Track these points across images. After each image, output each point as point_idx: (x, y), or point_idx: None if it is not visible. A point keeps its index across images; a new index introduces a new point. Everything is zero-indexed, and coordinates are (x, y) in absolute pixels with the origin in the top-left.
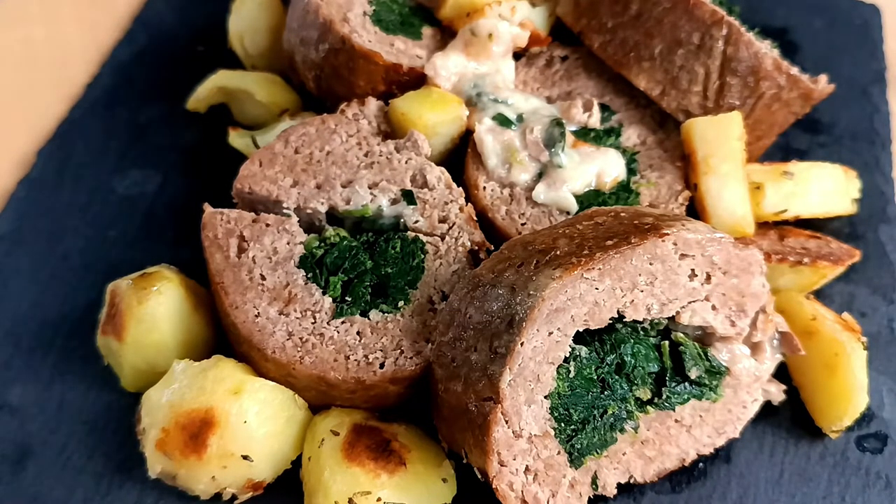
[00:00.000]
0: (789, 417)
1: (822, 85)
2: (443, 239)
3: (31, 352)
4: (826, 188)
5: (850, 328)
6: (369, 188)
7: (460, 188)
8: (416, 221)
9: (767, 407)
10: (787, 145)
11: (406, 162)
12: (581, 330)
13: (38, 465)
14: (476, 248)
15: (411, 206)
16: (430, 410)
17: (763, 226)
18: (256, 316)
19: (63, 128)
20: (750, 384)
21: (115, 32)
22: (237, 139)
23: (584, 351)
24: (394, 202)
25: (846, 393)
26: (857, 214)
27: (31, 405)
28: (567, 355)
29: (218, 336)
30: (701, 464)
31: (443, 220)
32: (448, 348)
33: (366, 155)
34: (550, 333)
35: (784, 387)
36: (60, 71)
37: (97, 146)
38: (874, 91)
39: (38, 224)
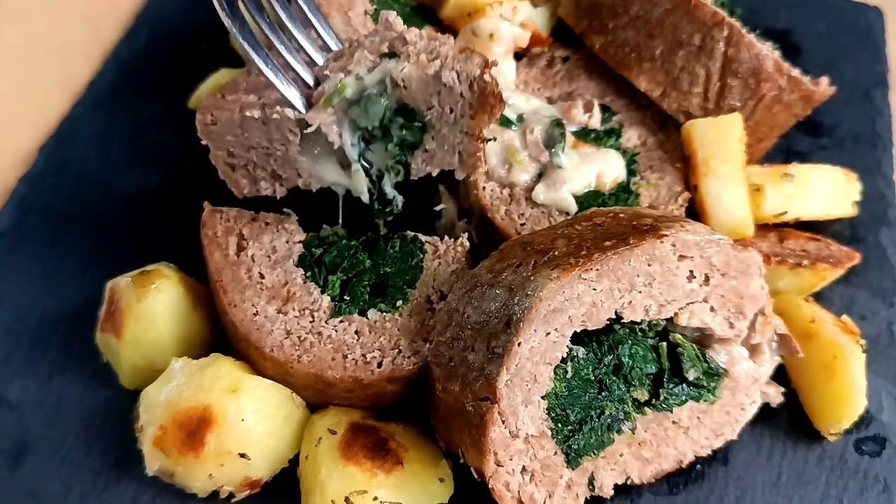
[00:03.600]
0: (787, 420)
1: (824, 87)
2: (439, 128)
3: (31, 348)
4: (826, 191)
5: (850, 331)
6: (341, 71)
7: (448, 35)
8: (403, 69)
9: (765, 409)
10: (788, 147)
11: (380, 39)
12: (579, 331)
13: (36, 461)
14: (482, 70)
15: (394, 59)
16: (427, 410)
17: (763, 228)
18: (255, 314)
19: (64, 125)
20: (748, 386)
21: (117, 30)
22: None
23: (581, 352)
24: (372, 68)
25: (844, 396)
26: (858, 217)
27: (29, 401)
28: (564, 356)
29: (216, 334)
30: (698, 466)
31: (434, 58)
32: (446, 348)
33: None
34: (548, 334)
35: (782, 389)
36: (63, 68)
37: (98, 143)
38: (876, 94)
39: (39, 221)
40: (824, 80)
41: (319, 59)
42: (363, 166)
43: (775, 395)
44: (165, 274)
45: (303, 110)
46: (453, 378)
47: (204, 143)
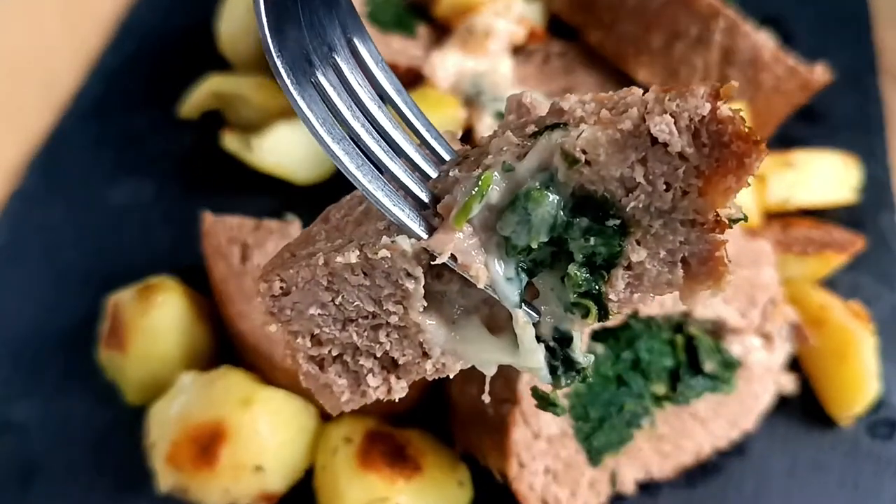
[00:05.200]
0: (800, 407)
1: (820, 74)
2: None
3: (32, 368)
4: (827, 177)
5: (859, 316)
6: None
7: (632, 87)
8: (582, 133)
9: (779, 398)
10: (784, 135)
11: (519, 126)
12: (596, 328)
13: (46, 483)
14: (713, 105)
15: (558, 129)
16: (437, 415)
17: (766, 217)
18: (264, 324)
19: (54, 138)
20: (762, 375)
21: (100, 39)
22: (231, 142)
23: (600, 348)
24: (525, 152)
25: (857, 381)
26: (857, 203)
27: (35, 422)
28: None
29: (221, 345)
30: (716, 457)
31: (623, 110)
32: None
33: None
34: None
35: (795, 377)
36: (46, 80)
37: (89, 156)
38: (866, 79)
39: (33, 238)
40: (820, 67)
41: (431, 171)
42: (527, 313)
43: (789, 384)
44: (169, 287)
45: (423, 234)
46: (471, 381)
47: (273, 328)
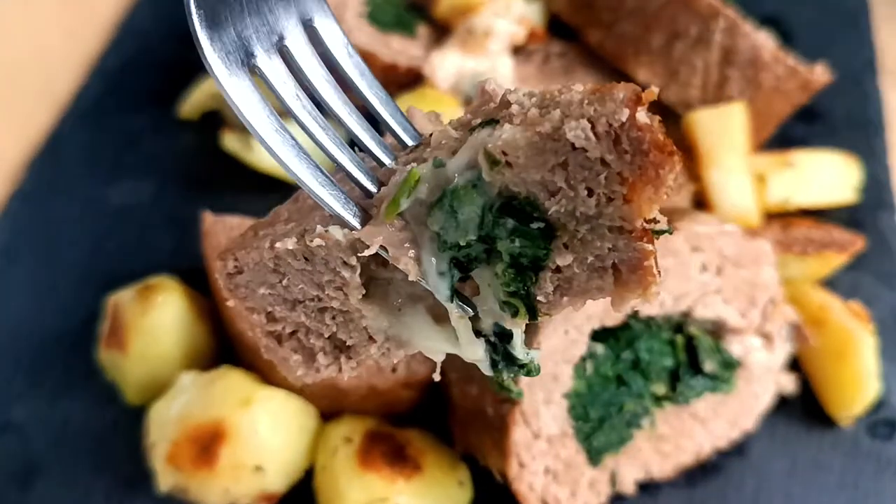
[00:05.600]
0: (801, 407)
1: (820, 74)
2: None
3: (32, 368)
4: (828, 177)
5: (859, 316)
6: (414, 162)
7: (578, 83)
8: (502, 135)
9: (779, 398)
10: (784, 135)
11: (473, 115)
12: (597, 328)
13: (46, 484)
14: (630, 110)
15: (489, 126)
16: (437, 415)
17: (766, 217)
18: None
19: (54, 139)
20: (762, 375)
21: (99, 41)
22: (231, 142)
23: (600, 348)
24: (458, 147)
25: (857, 381)
26: (857, 202)
27: (35, 423)
28: (583, 354)
29: (221, 345)
30: (716, 457)
31: (549, 111)
32: None
33: None
34: (566, 332)
35: (795, 377)
36: (45, 81)
37: (89, 157)
38: (865, 78)
39: (33, 238)
40: (820, 67)
41: (388, 159)
42: (460, 308)
43: (789, 384)
44: (169, 287)
45: (357, 225)
46: (471, 381)
47: (231, 304)
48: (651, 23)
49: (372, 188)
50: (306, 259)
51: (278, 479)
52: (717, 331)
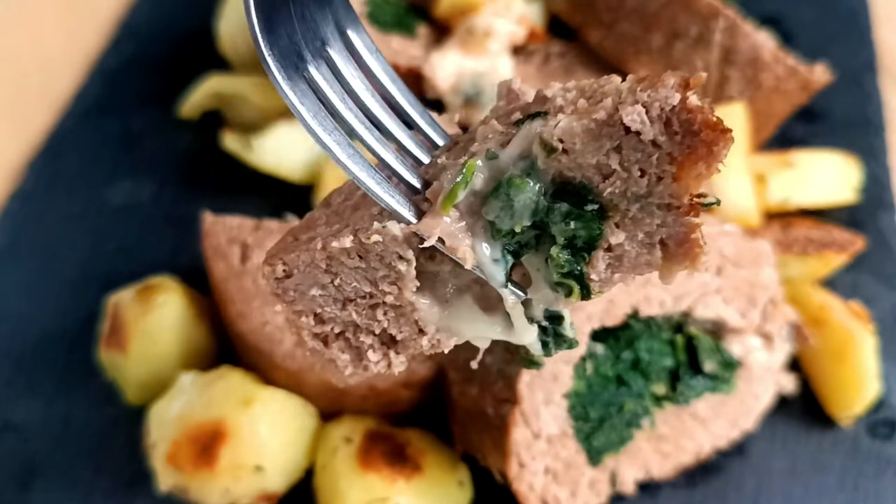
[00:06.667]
0: (801, 407)
1: (820, 74)
2: None
3: (32, 369)
4: (828, 177)
5: (859, 316)
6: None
7: (612, 74)
8: (558, 124)
9: (779, 398)
10: (784, 135)
11: (506, 112)
12: (597, 328)
13: (46, 484)
14: (682, 94)
15: (539, 118)
16: (437, 415)
17: (766, 217)
18: (264, 324)
19: (53, 139)
20: (762, 375)
21: (99, 40)
22: (231, 142)
23: (600, 348)
24: (509, 139)
25: (857, 381)
26: (857, 202)
27: (35, 423)
28: (583, 354)
29: (221, 345)
30: (716, 457)
31: (599, 100)
32: (461, 351)
33: None
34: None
35: (795, 377)
36: (46, 80)
37: (89, 156)
38: (865, 78)
39: (33, 238)
40: (820, 67)
41: (424, 157)
42: (514, 293)
43: (788, 384)
44: (169, 287)
45: (412, 219)
46: (470, 381)
47: (280, 310)
48: (651, 23)
49: (417, 184)
50: (360, 256)
51: (278, 479)
52: (717, 331)
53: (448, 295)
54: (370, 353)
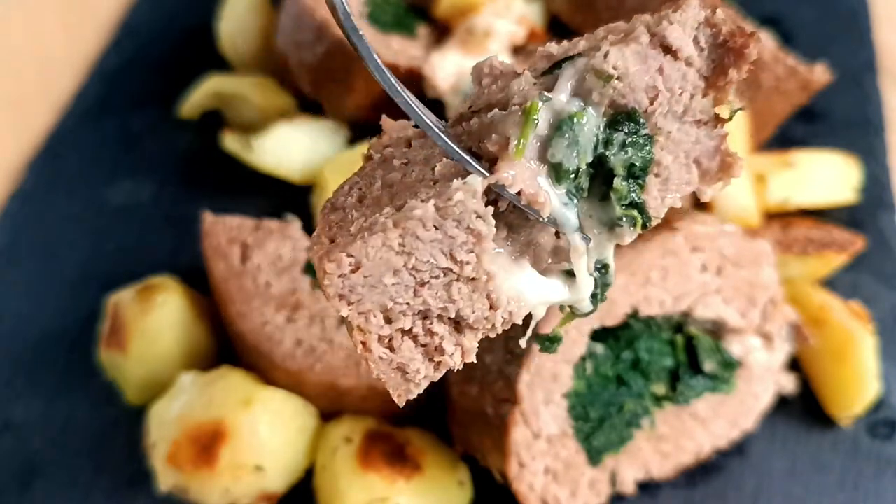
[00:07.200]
0: (800, 407)
1: (820, 74)
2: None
3: (32, 368)
4: (828, 177)
5: (859, 316)
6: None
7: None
8: (607, 53)
9: (779, 398)
10: (784, 135)
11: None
12: (597, 328)
13: (46, 484)
14: (709, 11)
15: (575, 59)
16: (437, 415)
17: (766, 217)
18: (264, 324)
19: (53, 139)
20: (762, 375)
21: (99, 40)
22: (231, 142)
23: (599, 348)
24: (552, 83)
25: (857, 381)
26: (857, 202)
27: (35, 423)
28: (583, 354)
29: (221, 345)
30: (716, 457)
31: (627, 32)
32: None
33: None
34: (566, 332)
35: (795, 377)
36: (45, 81)
37: (89, 156)
38: (865, 78)
39: (33, 238)
40: (820, 67)
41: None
42: (585, 238)
43: (788, 384)
44: (169, 287)
45: (485, 172)
46: (470, 381)
47: (342, 313)
48: None
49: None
50: (436, 227)
51: (278, 479)
52: (717, 331)
53: (510, 262)
54: (444, 344)
